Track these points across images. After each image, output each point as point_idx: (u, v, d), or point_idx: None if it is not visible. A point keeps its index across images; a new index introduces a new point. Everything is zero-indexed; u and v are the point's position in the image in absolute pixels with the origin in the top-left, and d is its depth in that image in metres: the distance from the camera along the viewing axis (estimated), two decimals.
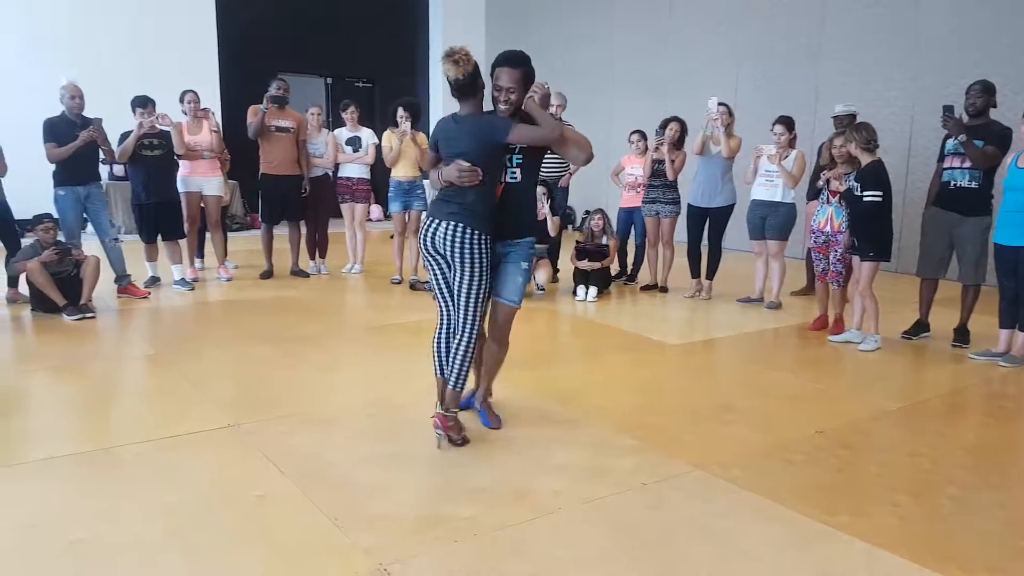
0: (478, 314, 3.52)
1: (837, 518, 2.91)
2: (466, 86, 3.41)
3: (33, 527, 2.75)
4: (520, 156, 3.53)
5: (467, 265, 3.42)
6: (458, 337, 3.52)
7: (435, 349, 3.62)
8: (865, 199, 5.28)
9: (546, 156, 7.79)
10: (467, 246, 3.39)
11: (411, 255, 7.53)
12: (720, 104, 6.74)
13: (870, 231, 5.37)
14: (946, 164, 5.49)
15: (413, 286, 7.28)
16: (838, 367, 5.17)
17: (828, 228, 5.77)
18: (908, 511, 3.01)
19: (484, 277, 3.48)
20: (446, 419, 3.49)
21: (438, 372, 3.61)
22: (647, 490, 3.15)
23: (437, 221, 3.44)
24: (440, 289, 3.59)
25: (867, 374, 5.02)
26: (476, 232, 3.39)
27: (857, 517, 2.93)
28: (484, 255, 3.44)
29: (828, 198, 5.77)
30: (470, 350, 3.53)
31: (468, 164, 3.36)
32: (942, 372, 5.09)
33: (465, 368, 3.52)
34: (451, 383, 3.52)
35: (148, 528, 2.76)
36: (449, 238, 3.39)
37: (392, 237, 7.85)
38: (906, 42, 8.63)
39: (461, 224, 3.37)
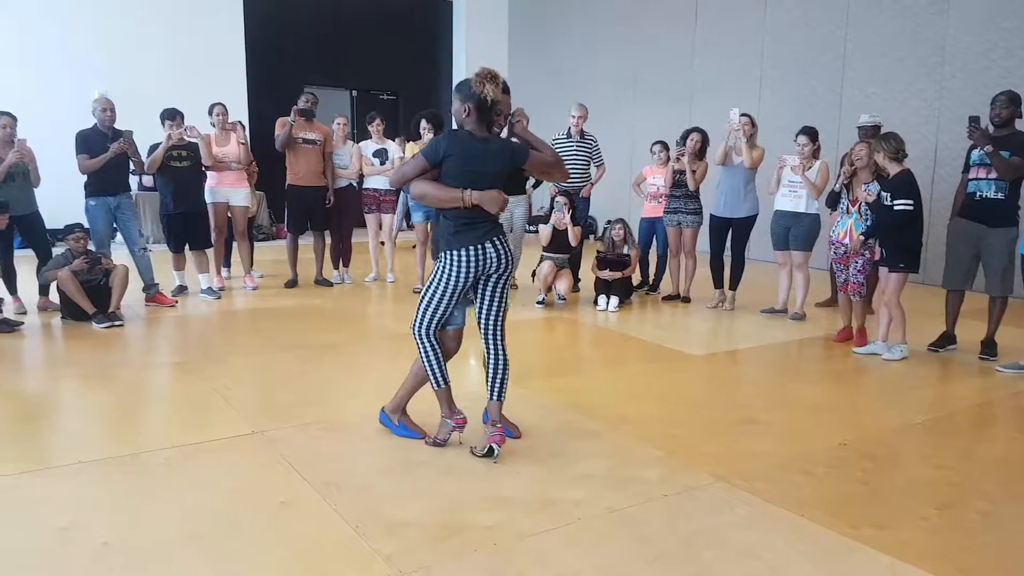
0: None
1: (861, 531, 2.89)
2: (491, 108, 3.42)
3: (64, 530, 2.81)
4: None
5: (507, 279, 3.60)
6: (500, 354, 3.68)
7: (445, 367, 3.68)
8: (896, 208, 5.24)
9: (568, 166, 7.83)
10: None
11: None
12: (743, 115, 6.74)
13: (900, 241, 5.32)
14: (972, 175, 5.44)
15: None
16: (862, 379, 5.12)
17: (848, 240, 5.73)
18: (934, 525, 2.98)
19: None
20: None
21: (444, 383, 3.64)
22: (669, 501, 3.14)
23: (485, 243, 3.45)
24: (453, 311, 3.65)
25: (892, 386, 4.97)
26: None
27: (882, 530, 2.90)
28: None
29: (848, 208, 5.74)
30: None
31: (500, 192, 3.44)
32: (969, 384, 5.03)
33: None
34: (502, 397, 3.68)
35: (175, 532, 2.81)
36: (505, 252, 3.51)
37: (414, 247, 7.91)
38: (932, 52, 8.57)
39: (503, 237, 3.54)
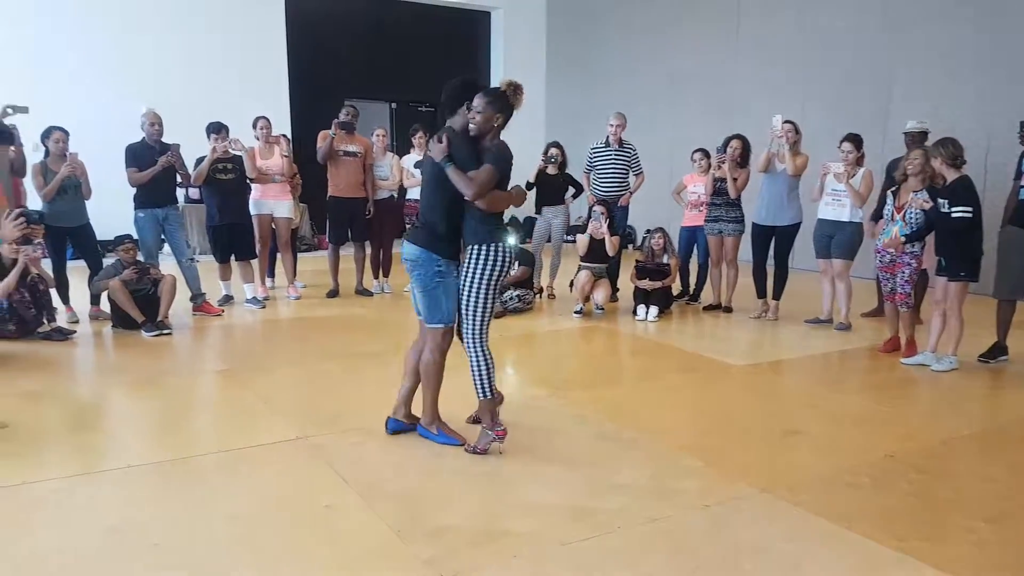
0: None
1: (908, 543, 2.83)
2: None
3: (115, 531, 2.89)
4: None
5: None
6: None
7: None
8: (954, 215, 5.12)
9: (607, 175, 7.81)
10: None
11: None
12: (786, 121, 6.66)
13: (959, 249, 5.21)
14: (1023, 182, 5.32)
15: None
16: (909, 390, 5.02)
17: (893, 248, 5.64)
18: (984, 538, 2.92)
19: None
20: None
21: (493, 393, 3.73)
22: (710, 512, 3.12)
23: (504, 242, 3.69)
24: None
25: (940, 398, 4.87)
26: None
27: (929, 543, 2.85)
28: None
29: (893, 215, 5.63)
30: None
31: None
32: (1020, 396, 4.90)
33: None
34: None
35: (221, 534, 2.87)
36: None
37: None
38: (980, 57, 8.39)
39: None
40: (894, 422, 4.33)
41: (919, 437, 4.05)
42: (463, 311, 3.59)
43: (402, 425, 3.88)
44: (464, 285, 3.56)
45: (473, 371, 3.62)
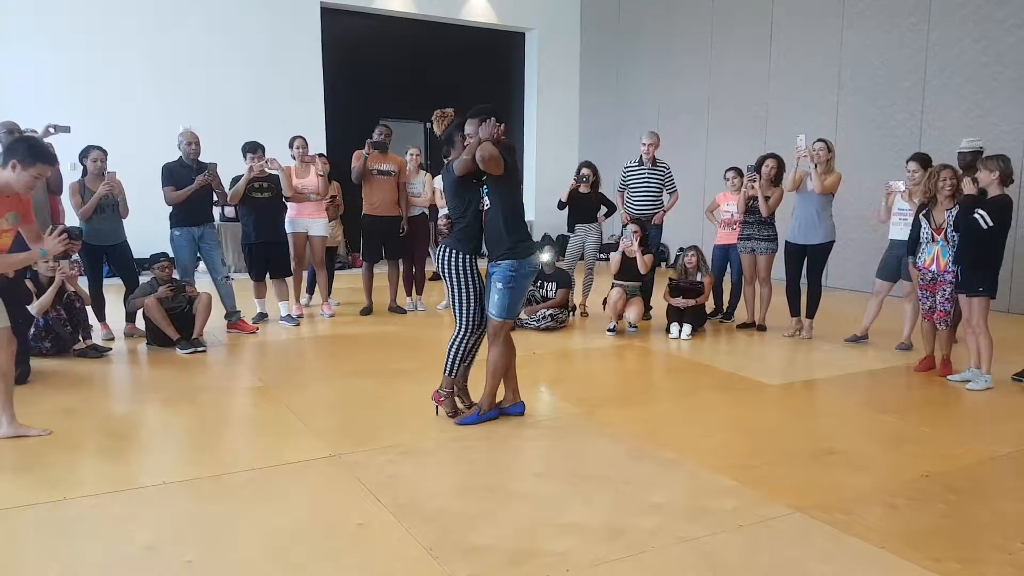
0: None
1: (944, 565, 2.78)
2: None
3: (150, 548, 2.91)
4: (486, 186, 4.33)
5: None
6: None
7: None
8: (986, 225, 5.06)
9: (640, 194, 7.83)
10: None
11: None
12: (818, 140, 6.61)
13: (981, 262, 5.12)
14: None
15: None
16: (945, 409, 4.92)
17: (934, 267, 5.55)
18: (1021, 559, 2.84)
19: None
20: (439, 394, 4.53)
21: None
22: (744, 531, 3.07)
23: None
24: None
25: (976, 417, 4.77)
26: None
27: (965, 565, 2.78)
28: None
29: (933, 236, 5.54)
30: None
31: None
32: None
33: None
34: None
35: (257, 551, 2.89)
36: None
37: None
38: (1018, 75, 8.27)
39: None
40: (930, 441, 4.25)
41: (955, 457, 3.97)
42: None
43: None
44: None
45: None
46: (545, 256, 7.27)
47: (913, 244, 5.77)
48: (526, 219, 4.49)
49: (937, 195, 5.50)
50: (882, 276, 6.55)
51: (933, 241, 5.55)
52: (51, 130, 6.21)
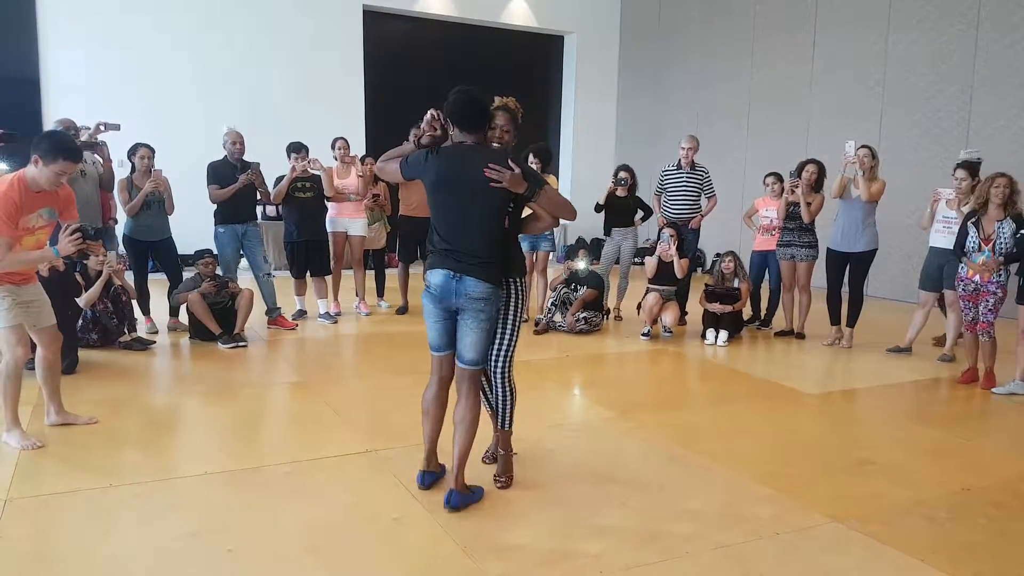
0: None
1: None
2: None
3: (193, 536, 2.99)
4: None
5: None
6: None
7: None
8: None
9: (678, 198, 7.76)
10: None
11: (537, 295, 7.64)
12: (863, 146, 6.52)
13: None
14: None
15: (537, 324, 7.31)
16: (988, 422, 4.84)
17: (978, 277, 5.44)
18: None
19: None
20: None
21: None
22: (781, 540, 3.05)
23: None
24: None
25: (1020, 430, 4.67)
26: None
27: None
28: None
29: (981, 245, 5.44)
30: None
31: None
32: None
33: None
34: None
35: (295, 542, 2.95)
36: None
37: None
38: None
39: None
40: (972, 455, 4.17)
41: (998, 471, 3.90)
42: (505, 340, 3.43)
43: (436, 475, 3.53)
44: (510, 315, 3.42)
45: (505, 403, 3.53)
46: (580, 264, 7.28)
47: (959, 252, 5.66)
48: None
49: (989, 203, 5.39)
50: (925, 287, 6.43)
51: (979, 250, 5.45)
52: (102, 128, 6.36)
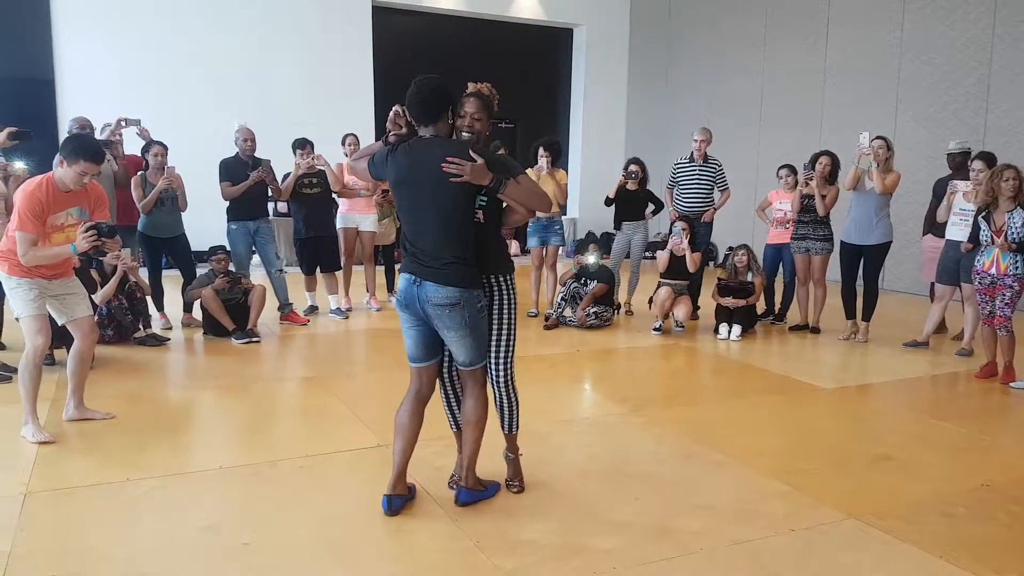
0: None
1: None
2: None
3: (208, 529, 3.00)
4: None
5: None
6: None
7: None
8: None
9: (690, 191, 7.70)
10: None
11: (547, 289, 7.63)
12: (878, 137, 6.45)
13: None
14: None
15: (548, 319, 7.29)
16: (1007, 417, 4.79)
17: (994, 270, 5.39)
18: None
19: None
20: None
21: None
22: (796, 536, 3.03)
23: None
24: None
25: None
26: None
27: None
28: None
29: (993, 239, 5.39)
30: None
31: None
32: None
33: None
34: None
35: (309, 536, 2.96)
36: None
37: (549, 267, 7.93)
38: None
39: None
40: (991, 450, 4.14)
41: (1018, 467, 3.87)
42: (502, 344, 3.24)
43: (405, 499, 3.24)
44: (500, 316, 3.22)
45: (508, 407, 3.34)
46: (590, 258, 7.25)
47: (975, 240, 5.61)
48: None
49: (999, 196, 5.34)
50: (942, 280, 6.37)
51: (992, 244, 5.39)
52: (123, 123, 6.41)
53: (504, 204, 3.18)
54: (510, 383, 3.31)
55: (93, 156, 3.93)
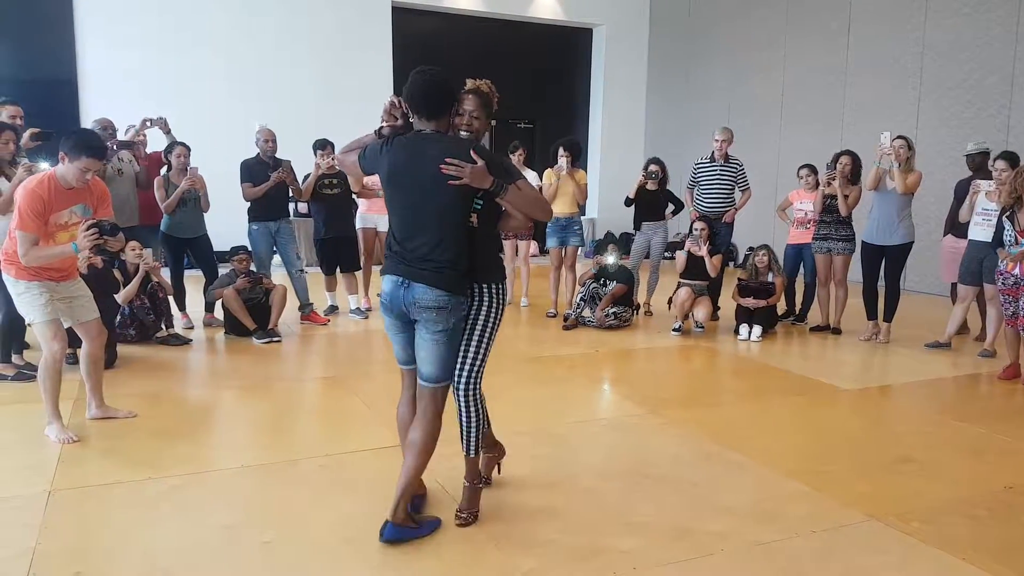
0: None
1: None
2: None
3: (229, 528, 3.03)
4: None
5: None
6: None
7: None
8: None
9: (711, 191, 7.66)
10: None
11: (566, 289, 7.62)
12: (899, 137, 6.39)
13: None
14: None
15: (567, 319, 7.28)
16: None
17: (1017, 271, 5.32)
18: None
19: None
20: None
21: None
22: (817, 538, 3.02)
23: None
24: None
25: None
26: None
27: None
28: None
29: (1017, 239, 5.32)
30: None
31: None
32: None
33: None
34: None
35: (330, 534, 2.98)
36: None
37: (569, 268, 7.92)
38: None
39: None
40: (1014, 452, 4.08)
41: None
42: (471, 356, 3.03)
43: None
44: (479, 327, 3.02)
45: (467, 423, 3.10)
46: (609, 259, 7.23)
47: (997, 245, 5.55)
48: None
49: (1023, 196, 5.27)
50: (965, 281, 6.30)
51: (1016, 244, 5.33)
52: (148, 123, 6.48)
53: (502, 209, 3.01)
54: (472, 395, 3.05)
55: (96, 152, 3.85)
